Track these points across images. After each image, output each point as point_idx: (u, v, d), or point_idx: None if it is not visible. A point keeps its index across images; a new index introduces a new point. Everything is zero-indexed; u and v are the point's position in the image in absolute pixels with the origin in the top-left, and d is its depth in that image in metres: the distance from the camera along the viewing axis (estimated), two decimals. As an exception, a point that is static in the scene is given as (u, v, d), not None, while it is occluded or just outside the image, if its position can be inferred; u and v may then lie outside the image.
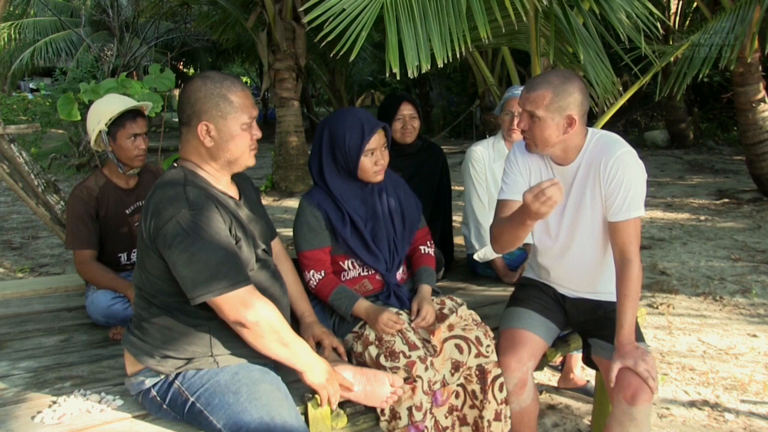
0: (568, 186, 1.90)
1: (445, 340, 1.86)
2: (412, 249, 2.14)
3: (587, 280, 2.00)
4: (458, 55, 2.81)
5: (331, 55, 2.98)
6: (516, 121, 2.57)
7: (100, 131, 2.28)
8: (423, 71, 2.73)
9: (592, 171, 1.84)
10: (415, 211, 2.12)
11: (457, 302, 1.99)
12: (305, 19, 2.75)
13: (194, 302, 1.46)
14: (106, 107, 2.30)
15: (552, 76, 1.78)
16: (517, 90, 2.63)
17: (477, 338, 1.85)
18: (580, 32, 3.31)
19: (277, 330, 1.52)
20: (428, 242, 2.17)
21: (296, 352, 1.56)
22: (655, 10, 3.43)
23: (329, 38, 2.72)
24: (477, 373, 1.83)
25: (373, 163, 1.92)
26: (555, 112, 1.76)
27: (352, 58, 2.70)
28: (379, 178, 1.96)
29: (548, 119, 1.77)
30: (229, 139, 1.55)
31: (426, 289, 2.00)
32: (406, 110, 2.62)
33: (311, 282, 1.95)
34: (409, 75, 2.71)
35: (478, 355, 1.83)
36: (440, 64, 2.74)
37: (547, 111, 1.76)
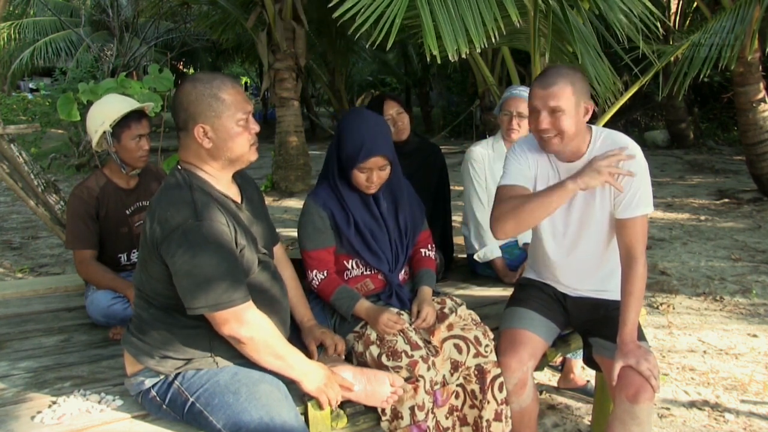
0: None
1: (445, 339, 1.86)
2: (413, 251, 2.15)
3: (592, 278, 2.00)
4: (494, 40, 2.89)
5: (367, 45, 3.09)
6: (515, 122, 2.58)
7: (104, 132, 2.27)
8: (463, 56, 2.80)
9: None
10: (418, 213, 2.12)
11: (457, 302, 1.99)
12: (336, 14, 2.80)
13: (191, 313, 1.47)
14: (111, 108, 2.30)
15: (562, 69, 1.80)
16: (516, 90, 2.62)
17: (476, 338, 1.85)
18: (580, 31, 3.31)
19: (271, 345, 1.53)
20: (429, 245, 2.17)
21: (291, 364, 1.57)
22: (654, 10, 3.43)
23: (363, 29, 2.78)
24: (476, 373, 1.83)
25: (365, 179, 1.92)
26: (576, 104, 1.78)
27: (389, 46, 2.74)
28: (371, 191, 1.95)
29: (572, 110, 1.77)
30: (227, 138, 1.54)
31: (426, 290, 2.00)
32: (392, 109, 2.63)
33: (314, 282, 1.96)
34: (451, 59, 2.78)
35: (477, 355, 1.83)
36: (478, 49, 2.79)
37: (569, 102, 1.77)
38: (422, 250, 2.14)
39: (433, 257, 2.15)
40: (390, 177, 1.99)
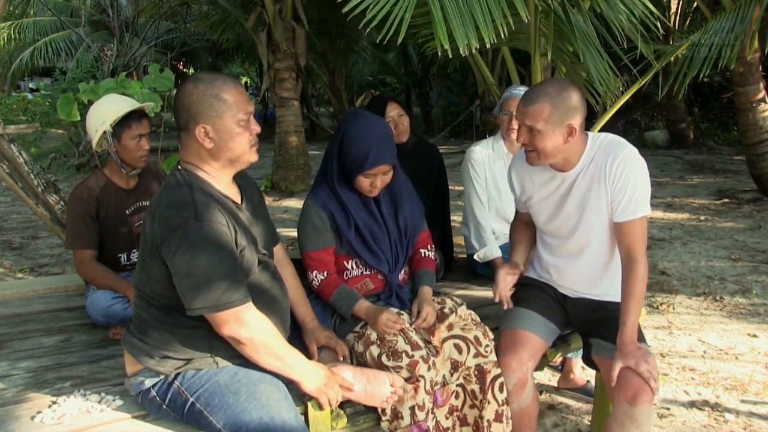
0: (568, 189, 1.91)
1: (445, 339, 1.86)
2: (413, 251, 2.15)
3: (593, 282, 2.00)
4: (503, 36, 2.90)
5: (377, 41, 3.11)
6: (515, 122, 2.58)
7: (104, 132, 2.27)
8: (473, 50, 2.82)
9: (597, 174, 1.84)
10: (418, 214, 2.12)
11: (457, 302, 1.99)
12: (345, 9, 2.80)
13: (191, 313, 1.47)
14: (111, 108, 2.29)
15: (548, 87, 1.78)
16: (516, 90, 2.63)
17: (476, 338, 1.85)
18: (581, 31, 3.31)
19: (271, 345, 1.53)
20: (429, 245, 2.17)
21: (291, 364, 1.57)
22: (654, 10, 3.43)
23: (373, 24, 2.78)
24: (476, 373, 1.83)
25: (369, 183, 1.93)
26: (555, 124, 1.76)
27: (399, 40, 2.75)
28: (373, 195, 1.96)
29: (548, 131, 1.77)
30: (228, 138, 1.54)
31: (427, 290, 2.00)
32: (393, 111, 2.62)
33: (314, 282, 1.96)
34: (462, 53, 2.81)
35: (477, 355, 1.83)
36: (488, 45, 2.80)
37: (547, 123, 1.76)
38: (422, 251, 2.14)
39: (432, 257, 2.15)
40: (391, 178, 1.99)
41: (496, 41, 2.89)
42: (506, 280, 2.02)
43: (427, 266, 2.10)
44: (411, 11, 2.78)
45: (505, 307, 1.99)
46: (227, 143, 1.54)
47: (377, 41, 2.97)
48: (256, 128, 1.59)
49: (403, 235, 2.04)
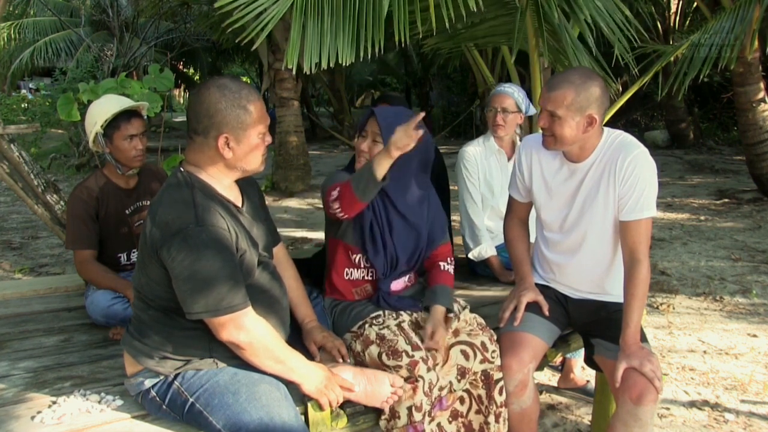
0: (579, 182, 1.92)
1: (451, 345, 1.83)
2: (430, 263, 2.09)
3: (595, 281, 2.00)
4: (369, 56, 2.98)
5: (236, 41, 3.21)
6: (500, 117, 2.63)
7: (96, 133, 2.27)
8: (323, 68, 2.92)
9: (607, 170, 1.85)
10: (439, 229, 2.07)
11: (461, 304, 1.98)
12: (217, 4, 2.86)
13: (190, 317, 1.47)
14: (101, 109, 2.29)
15: (573, 75, 1.79)
16: (501, 87, 2.67)
17: (483, 344, 1.84)
18: (566, 31, 3.32)
19: (270, 349, 1.53)
20: (449, 258, 2.09)
21: (291, 367, 1.57)
22: (629, 14, 3.42)
23: (236, 26, 2.88)
24: (482, 378, 1.82)
25: (360, 145, 1.94)
26: (576, 112, 1.77)
27: (254, 48, 2.85)
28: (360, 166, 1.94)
29: (569, 118, 1.78)
30: (248, 151, 1.55)
31: (440, 311, 1.91)
32: None
33: (333, 194, 1.88)
34: (305, 71, 2.91)
35: (484, 360, 1.82)
36: (345, 63, 2.86)
37: (568, 110, 1.76)
38: (441, 263, 2.07)
39: (451, 272, 2.07)
40: (408, 181, 1.97)
41: (362, 59, 2.97)
42: (524, 303, 1.98)
43: (444, 282, 2.01)
44: (274, 23, 2.89)
45: (516, 323, 1.94)
46: (246, 155, 1.55)
47: (237, 40, 3.05)
48: (269, 139, 1.61)
49: (410, 249, 2.00)
